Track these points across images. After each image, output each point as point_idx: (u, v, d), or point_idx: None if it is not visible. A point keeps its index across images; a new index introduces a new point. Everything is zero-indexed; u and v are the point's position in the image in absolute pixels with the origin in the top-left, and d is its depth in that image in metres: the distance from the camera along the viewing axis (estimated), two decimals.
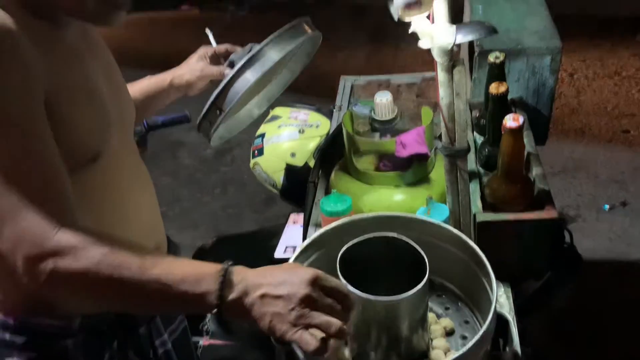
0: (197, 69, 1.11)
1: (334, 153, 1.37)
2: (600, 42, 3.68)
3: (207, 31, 1.15)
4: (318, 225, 1.18)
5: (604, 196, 2.53)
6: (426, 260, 0.78)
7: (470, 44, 1.28)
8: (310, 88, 2.37)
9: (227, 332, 1.35)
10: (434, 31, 0.85)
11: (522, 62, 1.15)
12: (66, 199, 0.72)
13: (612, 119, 3.04)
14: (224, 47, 1.13)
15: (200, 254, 1.73)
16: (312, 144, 1.53)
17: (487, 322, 0.74)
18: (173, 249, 1.37)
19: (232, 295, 0.67)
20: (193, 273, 0.69)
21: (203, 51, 1.12)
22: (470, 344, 0.71)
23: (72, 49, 0.82)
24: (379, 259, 0.84)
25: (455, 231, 0.88)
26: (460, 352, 0.70)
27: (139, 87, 1.13)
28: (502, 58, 1.03)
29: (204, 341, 1.38)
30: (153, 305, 0.76)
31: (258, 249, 1.59)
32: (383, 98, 1.15)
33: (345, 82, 1.64)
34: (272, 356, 0.86)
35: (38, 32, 0.75)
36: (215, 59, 1.12)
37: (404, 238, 0.81)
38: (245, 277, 0.69)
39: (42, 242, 0.67)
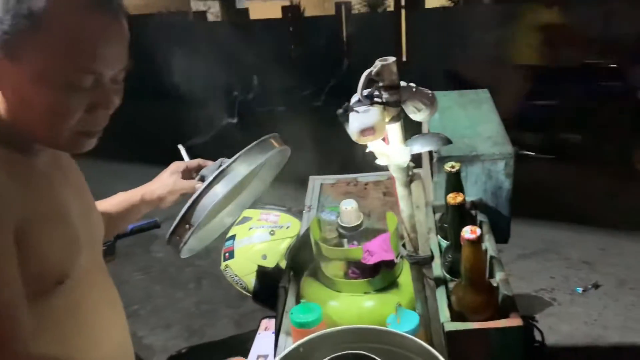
0: (169, 183, 1.13)
1: (304, 256, 1.38)
2: None
3: (180, 147, 1.19)
4: (289, 334, 1.17)
5: (576, 278, 2.56)
6: None
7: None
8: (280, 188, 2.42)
9: None
10: (390, 152, 0.89)
11: (478, 167, 1.21)
12: (20, 327, 0.72)
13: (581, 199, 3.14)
14: (196, 162, 1.16)
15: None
16: (283, 245, 1.54)
17: None
18: None
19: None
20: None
21: (175, 166, 1.16)
22: None
23: (44, 175, 0.84)
24: None
25: (424, 345, 0.88)
26: None
27: (110, 203, 1.15)
28: (457, 167, 1.08)
29: None
30: None
31: (232, 356, 1.55)
32: (348, 206, 1.18)
33: (315, 182, 1.68)
34: None
35: (11, 161, 0.77)
36: (188, 174, 1.15)
37: (373, 357, 0.81)
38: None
39: None
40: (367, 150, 0.92)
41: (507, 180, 1.22)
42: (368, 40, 5.76)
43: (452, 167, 1.08)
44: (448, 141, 0.93)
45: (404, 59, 6.14)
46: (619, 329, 2.22)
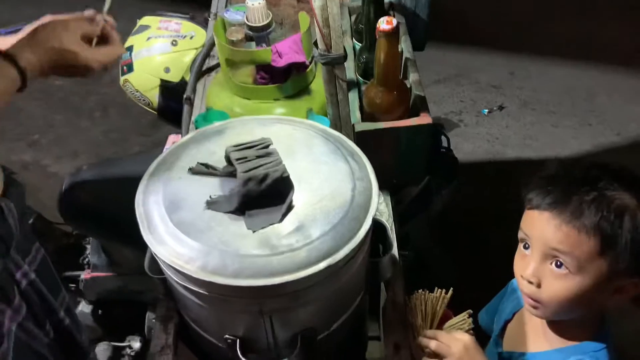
0: None
1: (210, 66, 1.28)
2: None
3: None
4: None
5: (484, 101, 2.66)
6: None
7: None
8: None
9: (109, 264, 1.27)
10: None
11: None
12: None
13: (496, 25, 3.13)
14: None
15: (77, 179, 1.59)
16: (188, 57, 1.42)
17: (363, 228, 0.73)
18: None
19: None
20: None
21: None
22: (344, 249, 0.70)
23: None
24: None
25: (338, 134, 0.86)
26: (335, 258, 0.69)
27: None
28: None
29: (85, 274, 1.30)
30: None
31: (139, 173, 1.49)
32: (255, 2, 1.05)
33: None
34: (154, 285, 0.82)
35: None
36: None
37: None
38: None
39: None
40: None
41: None
42: None
43: None
44: None
45: None
46: (517, 146, 2.37)
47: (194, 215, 0.73)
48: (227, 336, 0.77)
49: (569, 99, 2.58)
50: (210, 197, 0.74)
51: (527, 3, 3.26)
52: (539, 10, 3.18)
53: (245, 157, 0.75)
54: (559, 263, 0.73)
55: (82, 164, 2.03)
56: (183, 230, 0.71)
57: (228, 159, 0.77)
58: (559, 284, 0.73)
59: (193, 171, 0.78)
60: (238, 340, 0.77)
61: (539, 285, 0.75)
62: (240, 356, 0.75)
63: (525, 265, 0.77)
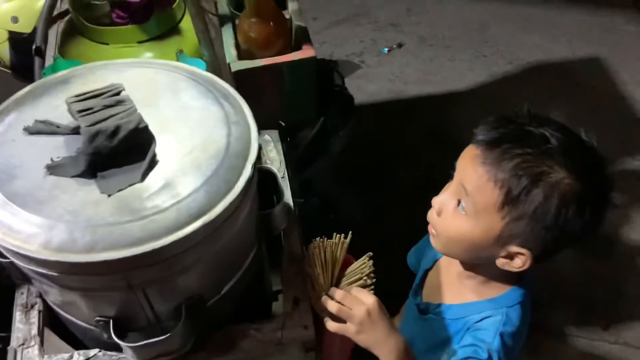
0: None
1: (63, 11, 1.10)
2: None
3: None
4: None
5: (383, 40, 2.61)
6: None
7: None
8: None
9: None
10: None
11: None
12: None
13: None
14: None
15: None
16: (39, 3, 1.21)
17: (242, 178, 0.64)
18: None
19: None
20: None
21: None
22: (220, 205, 0.61)
23: None
24: None
25: (208, 74, 0.75)
26: (211, 215, 0.60)
27: None
28: None
29: None
30: None
31: None
32: None
33: None
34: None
35: None
36: None
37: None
38: None
39: None
40: None
41: None
42: None
43: None
44: None
45: None
46: (418, 83, 2.37)
47: (32, 184, 0.60)
48: (98, 318, 0.67)
49: (463, 32, 2.59)
50: (51, 159, 0.62)
51: None
52: None
53: (91, 108, 0.63)
54: (461, 202, 0.69)
55: None
56: (19, 204, 0.58)
57: (71, 112, 0.64)
58: (451, 219, 0.70)
59: (30, 131, 0.65)
60: (111, 320, 0.66)
61: (439, 214, 0.72)
62: (115, 338, 0.65)
63: (441, 194, 0.74)
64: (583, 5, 2.71)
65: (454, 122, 2.12)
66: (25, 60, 1.24)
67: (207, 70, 0.90)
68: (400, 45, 2.56)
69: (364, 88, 2.36)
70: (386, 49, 2.55)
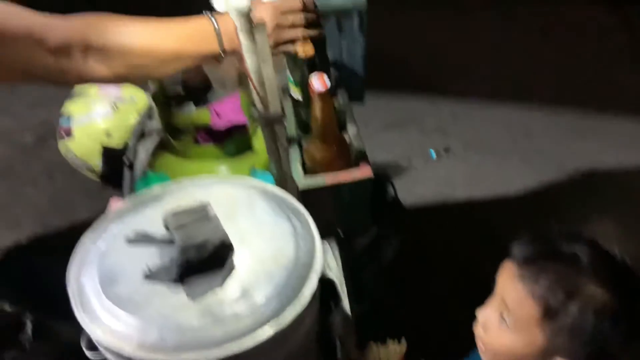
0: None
1: (152, 129, 1.27)
2: None
3: None
4: None
5: (431, 145, 2.73)
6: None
7: None
8: None
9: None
10: None
11: (331, 23, 1.14)
12: None
13: (436, 69, 3.27)
14: None
15: (23, 252, 1.52)
16: (130, 121, 1.40)
17: (308, 288, 0.72)
18: None
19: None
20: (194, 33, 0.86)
21: None
22: (289, 311, 0.68)
23: None
24: None
25: (279, 191, 0.86)
26: (281, 321, 0.67)
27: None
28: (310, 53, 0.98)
29: None
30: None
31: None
32: None
33: None
34: None
35: None
36: None
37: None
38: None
39: None
40: None
41: (361, 36, 1.17)
42: None
43: (304, 49, 0.97)
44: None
45: None
46: (466, 187, 2.44)
47: (131, 288, 0.70)
48: None
49: (510, 138, 2.69)
50: (148, 267, 0.72)
51: (463, 47, 3.44)
52: (473, 54, 3.36)
53: (184, 224, 0.74)
54: (503, 316, 0.74)
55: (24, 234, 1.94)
56: (119, 306, 0.68)
57: (167, 226, 0.75)
58: (496, 334, 0.75)
59: (130, 240, 0.76)
60: None
61: (484, 329, 0.77)
62: None
63: (484, 307, 0.79)
64: (632, 113, 2.77)
65: (502, 227, 2.15)
66: (114, 171, 1.41)
67: (276, 183, 1.02)
68: (447, 150, 2.67)
69: (413, 191, 2.45)
70: (434, 154, 2.67)
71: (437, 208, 2.37)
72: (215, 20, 0.88)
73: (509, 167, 2.51)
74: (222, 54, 0.90)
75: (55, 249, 1.51)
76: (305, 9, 0.93)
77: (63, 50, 0.77)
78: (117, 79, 0.84)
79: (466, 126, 2.82)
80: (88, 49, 0.78)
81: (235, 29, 0.83)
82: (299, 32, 0.92)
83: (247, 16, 0.83)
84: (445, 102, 3.00)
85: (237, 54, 0.90)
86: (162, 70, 0.87)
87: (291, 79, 0.94)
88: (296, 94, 0.99)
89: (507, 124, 2.79)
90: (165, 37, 0.85)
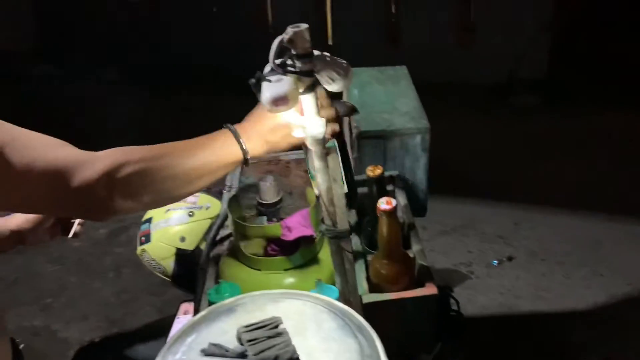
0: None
1: (224, 237, 1.34)
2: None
3: None
4: None
5: (492, 251, 2.69)
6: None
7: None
8: None
9: None
10: (305, 123, 0.87)
11: (395, 142, 1.22)
12: None
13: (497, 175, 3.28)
14: None
15: (90, 350, 1.58)
16: (203, 226, 1.49)
17: None
18: None
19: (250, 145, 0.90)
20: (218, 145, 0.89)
21: None
22: None
23: None
24: None
25: (346, 307, 0.88)
26: None
27: None
28: (379, 172, 1.06)
29: None
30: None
31: (152, 342, 1.48)
32: (267, 182, 1.15)
33: None
34: None
35: None
36: None
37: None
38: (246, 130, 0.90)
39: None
40: (281, 121, 0.90)
41: (424, 154, 1.24)
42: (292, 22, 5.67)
43: (373, 171, 1.06)
44: (355, 109, 0.93)
45: (330, 42, 6.13)
46: (530, 298, 2.35)
47: None
48: None
49: (576, 248, 2.61)
50: None
51: (522, 152, 3.45)
52: (533, 159, 3.36)
53: (256, 339, 0.77)
54: None
55: (93, 332, 2.01)
56: None
57: (240, 339, 0.79)
58: None
59: (205, 352, 0.80)
60: None
61: None
62: None
63: None
64: None
65: (571, 345, 2.04)
66: (185, 273, 1.49)
67: (340, 297, 1.04)
68: (510, 259, 2.61)
69: (474, 300, 2.39)
70: (496, 261, 2.61)
71: (501, 319, 2.28)
72: (237, 132, 0.90)
73: (576, 278, 2.41)
74: (245, 163, 0.92)
75: (120, 344, 1.57)
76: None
77: (87, 190, 0.76)
78: (146, 208, 0.88)
79: (529, 234, 2.77)
80: (114, 187, 0.78)
81: (257, 135, 0.91)
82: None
83: (321, 143, 0.91)
84: (506, 209, 2.99)
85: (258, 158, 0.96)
86: (192, 188, 0.89)
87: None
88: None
89: (572, 233, 2.72)
90: (190, 158, 0.87)
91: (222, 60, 4.43)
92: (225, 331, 0.84)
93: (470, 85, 4.09)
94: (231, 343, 0.81)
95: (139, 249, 1.52)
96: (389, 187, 1.22)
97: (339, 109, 0.91)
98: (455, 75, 4.07)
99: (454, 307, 1.29)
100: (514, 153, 3.45)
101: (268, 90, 0.81)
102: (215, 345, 0.81)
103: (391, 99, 1.32)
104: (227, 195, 1.48)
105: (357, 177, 1.30)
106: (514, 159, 3.39)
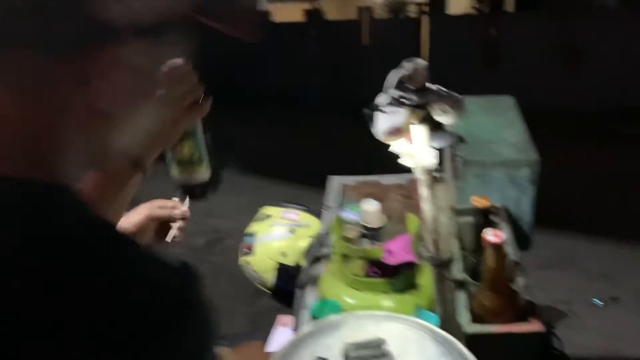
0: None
1: (323, 254, 1.40)
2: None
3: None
4: None
5: (594, 290, 2.53)
6: None
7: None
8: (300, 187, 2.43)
9: None
10: (416, 153, 0.91)
11: (501, 173, 1.22)
12: None
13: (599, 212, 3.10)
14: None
15: None
16: (303, 243, 1.56)
17: None
18: None
19: None
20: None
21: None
22: None
23: None
24: None
25: (449, 336, 0.89)
26: None
27: None
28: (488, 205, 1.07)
29: None
30: None
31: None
32: (372, 206, 1.19)
33: (334, 182, 1.70)
34: None
35: None
36: None
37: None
38: None
39: None
40: (391, 149, 0.93)
41: (531, 187, 1.22)
42: (389, 46, 5.75)
43: (480, 202, 1.06)
44: (461, 139, 0.95)
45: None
46: (636, 344, 2.19)
47: None
48: None
49: None
50: None
51: (624, 185, 3.23)
52: (635, 192, 3.13)
53: (362, 356, 0.81)
54: None
55: None
56: None
57: (347, 356, 0.83)
58: None
59: None
60: None
61: None
62: None
63: None
64: None
65: None
66: (284, 287, 1.56)
67: (440, 324, 1.05)
68: (615, 300, 2.45)
69: (573, 340, 2.26)
70: (599, 301, 2.46)
71: None
72: None
73: None
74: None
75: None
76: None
77: None
78: None
79: (637, 274, 2.59)
80: None
81: None
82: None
83: (430, 172, 0.94)
84: (612, 246, 2.81)
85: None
86: None
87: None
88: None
89: None
90: None
91: None
92: (330, 346, 0.88)
93: (576, 113, 3.91)
94: (336, 358, 0.85)
95: (242, 259, 1.61)
96: (493, 218, 1.21)
97: (446, 138, 0.94)
98: (560, 102, 3.91)
99: (556, 346, 1.25)
100: (622, 186, 3.24)
101: (384, 122, 0.85)
102: (322, 359, 0.85)
103: (498, 128, 1.31)
104: (327, 215, 1.54)
105: (459, 206, 1.31)
106: (622, 192, 3.19)
